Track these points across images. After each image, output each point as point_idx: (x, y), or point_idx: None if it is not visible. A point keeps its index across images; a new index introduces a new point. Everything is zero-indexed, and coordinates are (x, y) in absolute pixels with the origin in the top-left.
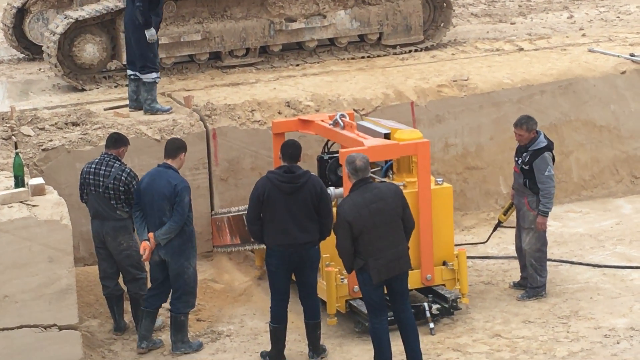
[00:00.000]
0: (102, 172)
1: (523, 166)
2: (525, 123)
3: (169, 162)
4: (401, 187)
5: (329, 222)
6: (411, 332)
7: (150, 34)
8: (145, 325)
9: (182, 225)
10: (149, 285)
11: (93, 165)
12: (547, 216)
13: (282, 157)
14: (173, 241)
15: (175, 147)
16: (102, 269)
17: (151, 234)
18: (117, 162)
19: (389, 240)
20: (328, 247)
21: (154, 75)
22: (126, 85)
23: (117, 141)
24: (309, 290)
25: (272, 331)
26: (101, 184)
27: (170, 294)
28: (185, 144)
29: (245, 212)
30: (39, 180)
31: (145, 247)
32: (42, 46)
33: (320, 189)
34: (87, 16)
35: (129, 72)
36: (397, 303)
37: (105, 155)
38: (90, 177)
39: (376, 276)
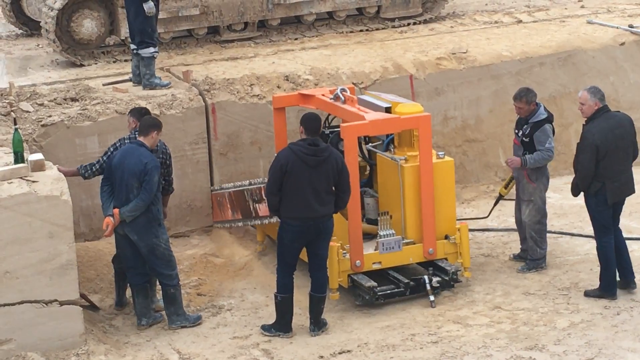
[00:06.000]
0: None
1: (523, 139)
2: (524, 95)
3: (142, 139)
4: (402, 162)
5: (346, 197)
6: (624, 247)
7: (148, 6)
8: (139, 302)
9: (148, 204)
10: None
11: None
12: (524, 165)
13: (304, 130)
14: (138, 219)
15: (147, 125)
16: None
17: (116, 210)
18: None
19: (624, 164)
20: None
21: (151, 50)
22: (125, 61)
23: (143, 114)
24: (321, 262)
25: (280, 302)
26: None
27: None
28: (159, 123)
29: (246, 187)
30: (38, 156)
31: (108, 223)
32: (40, 22)
33: (342, 163)
34: None
35: (132, 46)
36: (616, 224)
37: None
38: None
39: (611, 197)
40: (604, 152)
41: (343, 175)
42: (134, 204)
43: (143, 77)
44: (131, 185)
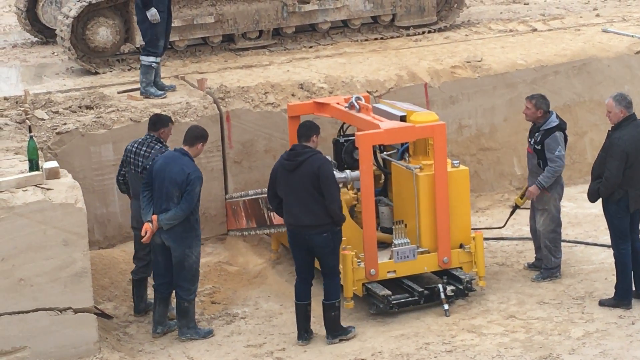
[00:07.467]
0: (142, 152)
1: (535, 146)
2: (535, 98)
3: (186, 148)
4: (417, 170)
5: (333, 206)
6: None
7: (151, 14)
8: (159, 311)
9: (188, 214)
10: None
11: (136, 145)
12: (541, 189)
13: (296, 136)
14: (176, 228)
15: (193, 136)
16: (136, 249)
17: (155, 217)
18: (158, 143)
19: None
20: (345, 231)
21: (150, 58)
22: (139, 68)
23: (155, 123)
24: (326, 270)
25: (295, 308)
26: (140, 164)
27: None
28: (206, 134)
29: (260, 195)
30: (53, 164)
31: (147, 229)
32: (55, 29)
33: (318, 168)
34: None
35: None
36: (634, 232)
37: (148, 137)
38: (132, 155)
39: (633, 204)
40: (632, 160)
41: (323, 181)
42: (173, 213)
43: (140, 83)
44: (171, 193)
